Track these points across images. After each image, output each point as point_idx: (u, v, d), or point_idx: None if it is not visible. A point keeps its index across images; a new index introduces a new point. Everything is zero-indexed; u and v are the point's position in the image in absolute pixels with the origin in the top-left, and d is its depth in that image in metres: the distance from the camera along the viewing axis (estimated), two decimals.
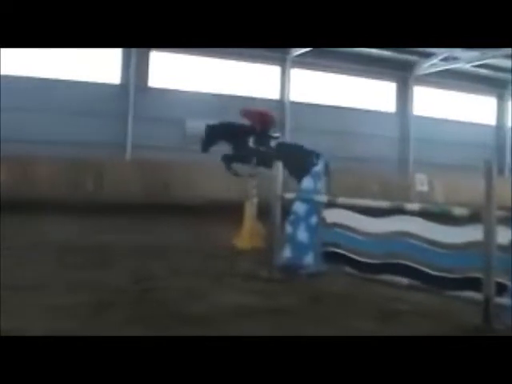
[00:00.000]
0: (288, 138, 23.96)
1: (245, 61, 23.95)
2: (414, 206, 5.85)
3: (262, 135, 13.22)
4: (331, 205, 6.95)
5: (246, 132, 13.28)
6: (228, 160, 13.34)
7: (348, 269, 6.62)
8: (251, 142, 13.10)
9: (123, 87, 22.23)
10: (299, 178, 12.77)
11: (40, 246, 9.64)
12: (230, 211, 11.96)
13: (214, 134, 13.38)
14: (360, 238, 6.48)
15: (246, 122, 13.77)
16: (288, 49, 23.80)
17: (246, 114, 13.73)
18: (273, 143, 13.22)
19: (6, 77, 20.29)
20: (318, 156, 12.96)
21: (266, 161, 12.72)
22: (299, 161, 12.85)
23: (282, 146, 13.26)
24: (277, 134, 13.53)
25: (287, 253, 7.49)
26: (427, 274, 5.64)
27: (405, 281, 5.88)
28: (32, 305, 5.54)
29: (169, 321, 5.09)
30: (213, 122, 13.89)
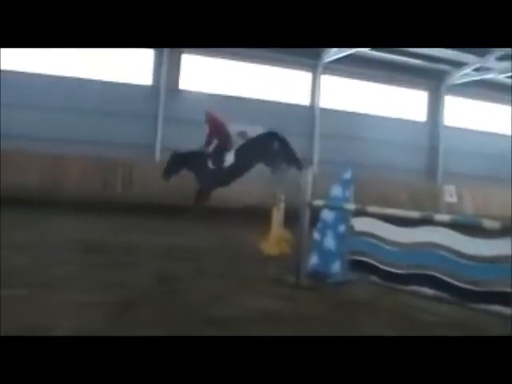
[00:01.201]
0: (317, 144, 23.96)
1: (276, 66, 23.97)
2: (444, 217, 5.79)
3: (218, 153, 13.30)
4: (360, 213, 6.91)
5: (206, 156, 13.39)
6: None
7: (374, 278, 6.59)
8: (211, 164, 13.20)
9: (154, 89, 22.38)
10: (271, 164, 12.95)
11: (67, 244, 9.74)
12: (258, 216, 11.97)
13: (176, 163, 13.56)
14: (388, 247, 6.44)
15: (208, 126, 13.85)
16: (319, 55, 23.79)
17: (210, 119, 13.79)
18: (231, 156, 13.26)
19: (39, 76, 20.57)
20: (273, 135, 13.04)
21: (227, 177, 12.91)
22: (261, 153, 12.94)
23: (239, 151, 13.24)
24: (232, 146, 13.57)
25: (314, 260, 7.49)
26: (455, 285, 5.58)
27: (431, 292, 5.83)
28: (57, 303, 5.60)
29: (193, 323, 5.11)
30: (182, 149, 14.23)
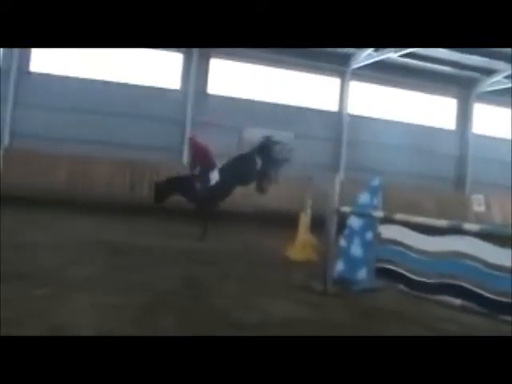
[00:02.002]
0: (344, 150, 23.90)
1: (304, 71, 23.96)
2: (473, 227, 5.73)
3: (204, 173, 13.43)
4: (387, 221, 6.88)
5: (190, 179, 13.52)
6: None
7: (401, 286, 6.54)
8: (197, 184, 13.32)
9: (183, 92, 22.48)
10: (246, 183, 13.13)
11: (93, 245, 9.82)
12: (284, 221, 11.97)
13: (164, 190, 13.67)
14: (415, 255, 6.39)
15: (191, 150, 14.18)
16: (348, 61, 23.73)
17: (193, 144, 13.92)
18: (215, 175, 13.37)
19: (69, 78, 20.79)
20: (255, 153, 13.19)
21: (216, 193, 13.02)
22: (245, 171, 13.08)
23: (223, 170, 13.37)
24: (215, 166, 13.68)
25: (340, 267, 7.47)
26: (482, 296, 5.53)
27: (458, 302, 5.78)
28: (82, 304, 5.65)
29: (216, 328, 5.12)
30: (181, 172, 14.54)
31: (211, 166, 13.45)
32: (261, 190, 13.05)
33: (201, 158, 13.63)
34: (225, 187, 13.20)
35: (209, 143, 13.97)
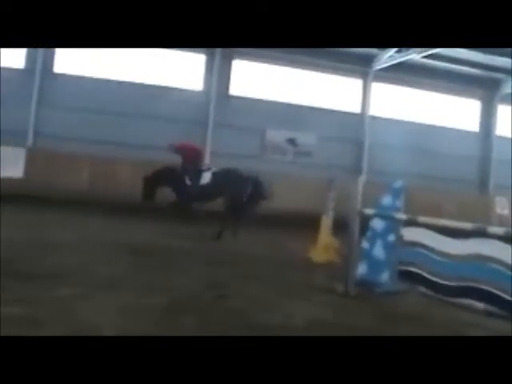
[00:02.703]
0: (367, 152, 23.81)
1: (327, 73, 23.91)
2: (497, 230, 5.68)
3: (195, 170, 13.46)
4: (410, 223, 6.84)
5: (182, 173, 13.53)
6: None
7: (424, 289, 6.50)
8: (188, 180, 13.34)
9: (205, 94, 22.53)
10: (232, 203, 13.15)
11: (114, 245, 9.87)
12: (306, 223, 11.95)
13: (153, 183, 13.69)
14: (438, 258, 6.33)
15: (176, 156, 14.08)
16: (370, 62, 23.65)
17: (179, 149, 13.93)
18: (208, 175, 13.39)
19: (92, 79, 20.94)
20: (251, 180, 13.22)
21: (205, 193, 13.04)
22: (236, 186, 13.09)
23: (217, 174, 13.37)
24: (207, 166, 13.73)
25: (363, 269, 7.44)
26: (506, 300, 5.48)
27: (482, 306, 5.72)
28: (105, 303, 5.69)
29: (239, 330, 5.12)
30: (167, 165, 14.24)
31: (203, 166, 13.56)
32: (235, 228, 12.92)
33: (191, 157, 13.70)
34: (216, 190, 13.27)
35: (199, 145, 14.07)
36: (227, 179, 13.29)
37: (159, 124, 21.13)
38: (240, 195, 13.23)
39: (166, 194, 13.78)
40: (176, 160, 13.84)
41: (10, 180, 18.83)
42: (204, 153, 13.97)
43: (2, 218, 11.81)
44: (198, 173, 13.45)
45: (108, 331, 4.66)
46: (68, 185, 18.72)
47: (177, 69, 22.36)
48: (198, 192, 13.23)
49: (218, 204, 13.48)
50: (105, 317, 5.13)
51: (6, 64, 20.13)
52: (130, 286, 6.63)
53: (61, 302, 5.58)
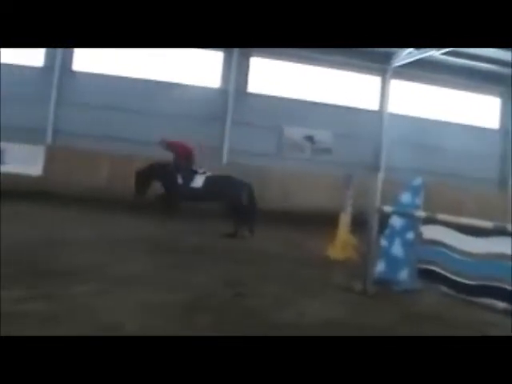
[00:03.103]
0: (385, 149, 23.69)
1: (345, 70, 23.80)
2: None
3: (188, 171, 13.46)
4: (429, 221, 6.78)
5: (174, 169, 13.52)
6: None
7: (443, 288, 6.45)
8: (180, 179, 13.34)
9: (223, 91, 22.52)
10: (233, 210, 13.12)
11: (133, 242, 9.90)
12: (324, 221, 11.91)
13: (145, 177, 13.69)
14: (458, 257, 6.27)
15: (168, 153, 14.15)
16: (389, 59, 23.51)
17: (170, 145, 13.93)
18: (201, 179, 13.37)
19: (110, 77, 21.01)
20: (245, 186, 13.19)
21: (196, 196, 13.03)
22: (229, 193, 13.06)
23: (211, 180, 13.35)
24: (203, 170, 13.69)
25: (381, 267, 7.40)
26: None
27: (502, 305, 5.66)
28: (124, 300, 5.70)
29: (256, 328, 5.10)
30: (156, 161, 14.34)
31: (199, 169, 13.61)
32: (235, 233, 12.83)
33: (183, 155, 13.74)
34: (208, 195, 13.31)
35: (191, 145, 14.13)
36: (223, 186, 13.32)
37: (177, 121, 21.12)
38: (239, 200, 13.26)
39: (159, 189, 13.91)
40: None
41: (29, 177, 18.96)
42: (196, 152, 13.88)
43: (22, 215, 11.91)
44: (192, 174, 13.48)
45: (127, 328, 4.67)
46: (87, 182, 18.79)
47: (194, 66, 22.35)
48: (188, 193, 13.29)
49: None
50: (123, 314, 5.15)
51: (25, 62, 20.29)
52: (149, 284, 6.64)
53: (79, 298, 5.60)
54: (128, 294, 5.97)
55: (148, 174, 13.78)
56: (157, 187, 13.93)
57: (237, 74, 22.51)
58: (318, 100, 23.30)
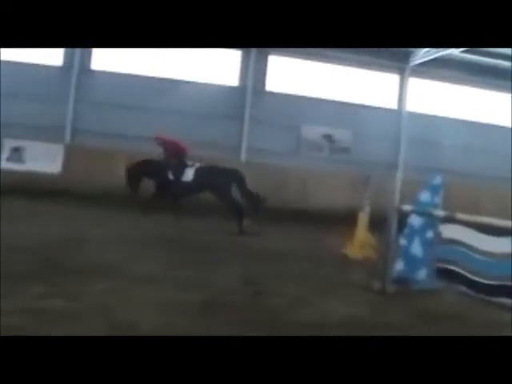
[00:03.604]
0: (403, 148, 23.58)
1: (363, 68, 23.71)
2: None
3: (179, 166, 13.48)
4: (448, 220, 6.74)
5: (165, 166, 13.58)
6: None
7: (462, 288, 6.40)
8: (170, 175, 13.38)
9: (241, 90, 22.52)
10: (226, 199, 13.13)
11: (152, 241, 9.93)
12: (343, 220, 11.89)
13: (135, 173, 13.73)
14: (478, 256, 6.23)
15: (160, 149, 14.25)
16: (407, 57, 23.38)
17: (161, 142, 13.96)
18: (191, 171, 13.40)
19: (128, 76, 21.09)
20: (234, 176, 13.20)
21: (187, 190, 13.05)
22: (219, 182, 13.10)
23: (200, 171, 13.37)
24: (192, 162, 13.72)
25: (400, 266, 7.36)
26: None
27: None
28: (142, 298, 5.72)
29: (276, 327, 5.10)
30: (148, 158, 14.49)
31: (185, 161, 13.67)
32: (240, 230, 12.81)
33: (174, 151, 13.81)
34: (197, 187, 13.39)
35: (182, 140, 14.21)
36: (209, 176, 13.40)
37: (195, 120, 21.18)
38: (226, 191, 13.34)
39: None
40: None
41: (48, 176, 19.11)
42: (184, 148, 13.98)
43: (41, 212, 12.00)
44: (182, 169, 13.57)
45: (144, 326, 4.68)
46: (105, 180, 18.87)
47: (212, 64, 22.37)
48: (179, 188, 13.39)
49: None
50: (141, 312, 5.17)
51: (44, 62, 20.44)
52: (167, 282, 6.66)
53: (97, 296, 5.63)
54: (147, 292, 5.99)
55: (139, 171, 13.89)
56: (149, 184, 14.07)
57: (255, 73, 22.51)
58: (336, 98, 23.23)
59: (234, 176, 13.54)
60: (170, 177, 13.61)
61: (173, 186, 13.49)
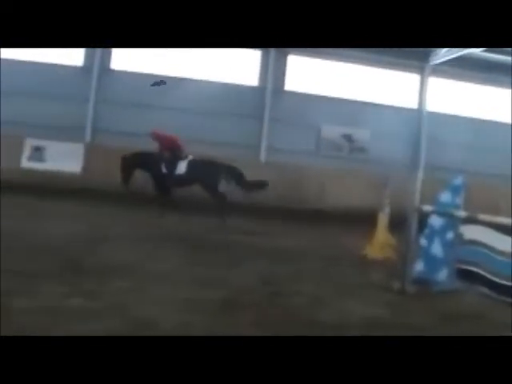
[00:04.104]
0: (424, 148, 23.44)
1: (383, 68, 23.62)
2: None
3: (173, 159, 13.77)
4: (470, 221, 6.69)
5: (158, 159, 13.87)
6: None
7: (483, 289, 6.35)
8: (164, 168, 13.43)
9: (260, 89, 22.53)
10: (212, 192, 13.17)
11: (170, 240, 9.96)
12: (362, 220, 11.85)
13: (129, 164, 13.81)
14: (500, 258, 6.18)
15: (156, 144, 14.38)
16: (427, 56, 23.24)
17: (157, 137, 14.01)
18: (183, 164, 13.45)
19: (148, 75, 21.16)
20: (225, 171, 13.26)
21: (180, 182, 13.12)
22: (208, 175, 13.55)
23: (194, 164, 13.43)
24: (185, 154, 13.79)
25: (420, 266, 7.33)
26: None
27: None
28: (160, 296, 5.74)
29: (294, 327, 5.10)
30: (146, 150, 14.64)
31: (180, 155, 13.76)
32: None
33: (167, 146, 13.92)
34: (189, 180, 13.53)
35: (176, 135, 14.36)
36: (201, 169, 13.51)
37: (215, 120, 21.23)
38: (214, 185, 13.50)
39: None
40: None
41: (69, 175, 19.24)
42: (178, 141, 14.12)
43: (61, 211, 12.08)
44: (175, 162, 13.70)
45: (162, 325, 4.70)
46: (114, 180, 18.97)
47: (232, 64, 22.40)
48: (172, 182, 13.55)
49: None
50: (159, 310, 5.18)
51: (65, 62, 20.59)
52: (185, 281, 6.68)
53: (117, 294, 5.66)
54: (165, 291, 6.00)
55: (133, 162, 14.02)
56: (143, 177, 14.25)
57: (274, 72, 22.52)
58: (355, 98, 23.16)
59: (228, 171, 13.73)
60: (164, 170, 13.78)
61: (166, 178, 13.67)
